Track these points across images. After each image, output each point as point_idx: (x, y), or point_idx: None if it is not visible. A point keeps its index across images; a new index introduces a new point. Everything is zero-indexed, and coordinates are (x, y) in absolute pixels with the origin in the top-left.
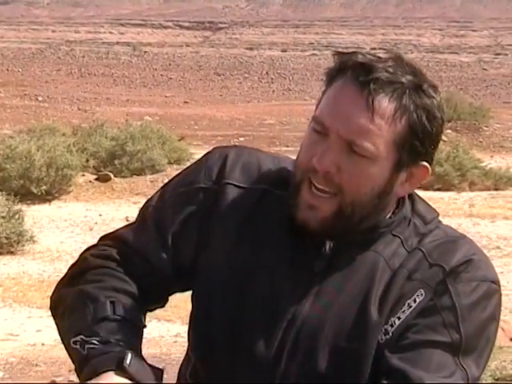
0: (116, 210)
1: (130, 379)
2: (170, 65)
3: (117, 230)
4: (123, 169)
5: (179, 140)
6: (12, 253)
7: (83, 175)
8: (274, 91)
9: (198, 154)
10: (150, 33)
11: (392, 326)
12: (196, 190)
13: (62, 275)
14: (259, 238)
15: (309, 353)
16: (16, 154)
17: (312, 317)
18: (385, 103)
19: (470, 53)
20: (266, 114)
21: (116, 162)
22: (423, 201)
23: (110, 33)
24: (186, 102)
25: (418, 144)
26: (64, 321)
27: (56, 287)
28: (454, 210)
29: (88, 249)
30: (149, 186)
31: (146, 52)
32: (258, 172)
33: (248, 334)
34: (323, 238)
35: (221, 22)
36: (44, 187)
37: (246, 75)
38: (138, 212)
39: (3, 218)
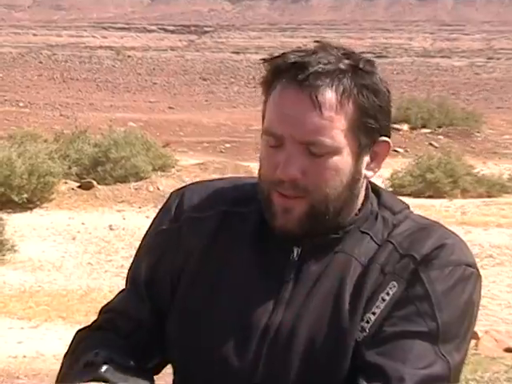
0: (99, 218)
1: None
2: (154, 69)
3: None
4: (106, 176)
5: (164, 146)
6: None
7: (65, 183)
8: (260, 96)
9: (184, 160)
10: (134, 37)
11: (368, 322)
12: (159, 234)
13: (43, 285)
14: (226, 257)
15: (284, 362)
16: None
17: (285, 325)
18: (328, 94)
19: (462, 57)
20: (253, 119)
21: (99, 169)
22: (389, 193)
23: (93, 37)
24: (170, 108)
25: (372, 122)
26: None
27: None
28: (446, 217)
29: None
30: (133, 193)
31: (129, 56)
32: (215, 198)
33: (221, 349)
34: (290, 245)
35: (206, 26)
36: (25, 195)
37: (233, 80)
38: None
39: None
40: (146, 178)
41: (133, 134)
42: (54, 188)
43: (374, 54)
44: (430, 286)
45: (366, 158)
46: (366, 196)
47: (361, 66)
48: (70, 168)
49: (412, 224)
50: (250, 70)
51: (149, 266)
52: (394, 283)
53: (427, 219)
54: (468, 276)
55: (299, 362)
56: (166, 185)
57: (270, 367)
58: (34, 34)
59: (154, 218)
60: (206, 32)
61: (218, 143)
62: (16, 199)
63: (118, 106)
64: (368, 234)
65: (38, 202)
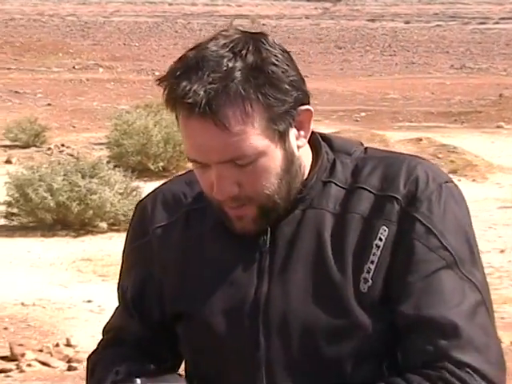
0: None
1: None
2: (288, 38)
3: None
4: None
5: None
6: None
7: None
8: (396, 64)
9: (318, 129)
10: (269, 5)
11: (368, 272)
12: (133, 251)
13: None
14: (200, 252)
15: (284, 333)
16: (133, 129)
17: (274, 295)
18: (230, 112)
19: None
20: (389, 88)
21: None
22: (339, 137)
23: (228, 5)
24: (305, 76)
25: (282, 108)
26: None
27: None
28: None
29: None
30: None
31: (264, 25)
32: (176, 201)
33: (219, 336)
34: None
35: None
36: (161, 163)
37: (368, 48)
38: None
39: (121, 194)
40: None
41: None
42: None
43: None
44: (427, 220)
45: (293, 133)
46: (317, 149)
47: (250, 62)
48: None
49: (373, 163)
50: (385, 38)
51: (132, 283)
52: (384, 227)
53: (383, 151)
54: (449, 192)
55: (299, 329)
56: None
57: (271, 341)
58: (170, 4)
59: (127, 235)
60: None
61: (353, 112)
62: (152, 168)
63: None
64: (331, 182)
65: (173, 171)
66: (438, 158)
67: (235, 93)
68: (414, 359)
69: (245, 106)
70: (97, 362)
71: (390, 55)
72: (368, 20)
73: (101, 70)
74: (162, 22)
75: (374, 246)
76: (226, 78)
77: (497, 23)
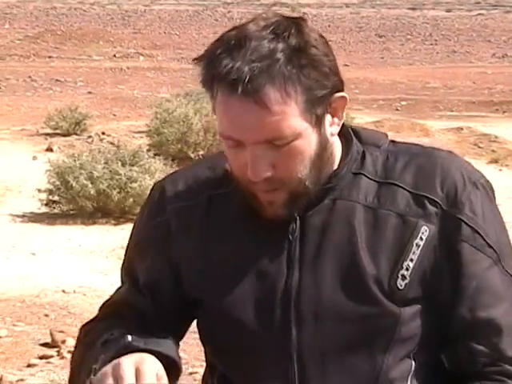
0: None
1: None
2: (329, 26)
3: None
4: None
5: None
6: None
7: None
8: (437, 53)
9: (359, 118)
10: None
11: (407, 269)
12: (149, 230)
13: None
14: (224, 238)
15: (315, 322)
16: (173, 117)
17: (306, 284)
18: (272, 92)
19: None
20: (429, 77)
21: None
22: (366, 129)
23: None
24: (346, 65)
25: (321, 92)
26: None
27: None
28: None
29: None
30: None
31: (304, 13)
32: (197, 185)
33: (248, 325)
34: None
35: None
36: (201, 152)
37: (409, 37)
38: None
39: None
40: None
41: None
42: None
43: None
44: (471, 221)
45: (328, 119)
46: (347, 140)
47: (293, 44)
48: None
49: (405, 158)
50: (426, 27)
51: (145, 263)
52: (425, 227)
53: (414, 145)
54: (484, 190)
55: (331, 317)
56: None
57: (303, 331)
58: None
59: (140, 215)
60: None
61: (393, 101)
62: (192, 156)
63: None
64: (362, 174)
65: None
66: (479, 147)
67: (278, 73)
68: (472, 362)
69: (286, 87)
70: (90, 330)
71: (431, 44)
72: (409, 8)
73: (141, 58)
74: (202, 11)
75: (415, 244)
76: (269, 58)
77: None
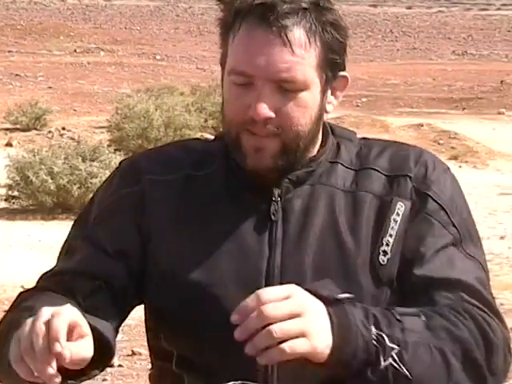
0: None
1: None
2: None
3: (52, 268)
4: None
5: None
6: None
7: (202, 135)
8: (398, 50)
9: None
10: None
11: (388, 244)
12: (120, 198)
13: None
14: (203, 216)
15: None
16: (134, 113)
17: (288, 266)
18: (297, 32)
19: None
20: (390, 73)
21: None
22: (338, 125)
23: None
24: None
25: (336, 57)
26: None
27: None
28: None
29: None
30: None
31: None
32: (174, 162)
33: (227, 307)
34: (268, 188)
35: None
36: None
37: (370, 33)
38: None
39: None
40: None
41: None
42: None
43: None
44: (438, 198)
45: (328, 93)
46: (325, 129)
47: (321, 3)
48: (206, 121)
49: (379, 147)
50: (387, 24)
51: (112, 231)
52: (401, 203)
53: (382, 140)
54: (453, 178)
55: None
56: None
57: None
58: None
59: (105, 186)
60: None
61: (354, 97)
62: None
63: None
64: (338, 163)
65: None
66: (439, 144)
67: (306, 18)
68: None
69: (310, 34)
70: (27, 298)
71: (392, 41)
72: (370, 5)
73: (102, 53)
74: (163, 6)
75: (392, 220)
76: (301, 5)
77: (499, 9)
